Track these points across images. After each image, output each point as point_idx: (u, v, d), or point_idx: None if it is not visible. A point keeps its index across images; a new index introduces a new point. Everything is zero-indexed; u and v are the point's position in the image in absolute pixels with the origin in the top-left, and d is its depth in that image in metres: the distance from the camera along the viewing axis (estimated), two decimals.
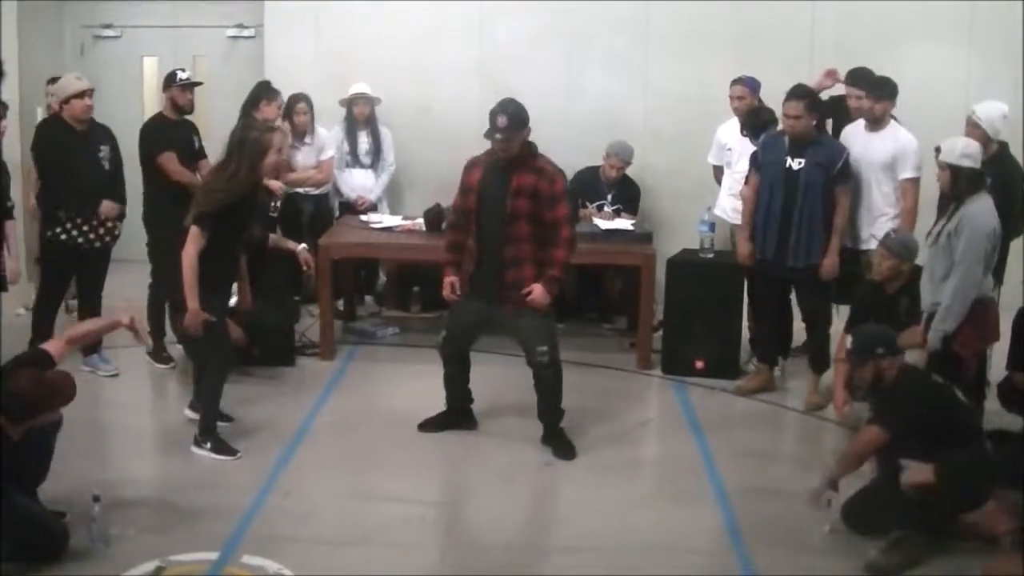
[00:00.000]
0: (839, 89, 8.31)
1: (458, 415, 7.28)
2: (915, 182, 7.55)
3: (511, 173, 6.71)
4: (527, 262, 6.72)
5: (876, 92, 7.67)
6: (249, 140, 6.58)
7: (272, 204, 8.83)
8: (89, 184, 7.69)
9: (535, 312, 6.73)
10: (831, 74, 8.33)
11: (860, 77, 8.02)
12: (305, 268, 8.14)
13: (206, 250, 6.51)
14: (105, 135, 7.95)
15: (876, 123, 7.69)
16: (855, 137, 7.78)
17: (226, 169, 6.60)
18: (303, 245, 8.23)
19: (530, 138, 9.30)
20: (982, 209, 6.40)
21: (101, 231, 7.77)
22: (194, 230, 6.51)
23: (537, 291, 6.68)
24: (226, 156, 6.65)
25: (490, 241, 6.82)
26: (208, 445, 6.73)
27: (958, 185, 6.44)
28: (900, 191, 7.63)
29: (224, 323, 6.82)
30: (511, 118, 6.63)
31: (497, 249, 6.77)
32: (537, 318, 6.76)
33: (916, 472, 5.36)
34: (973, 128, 7.05)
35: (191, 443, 6.75)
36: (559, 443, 6.92)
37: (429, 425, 7.22)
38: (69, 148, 7.70)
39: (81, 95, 7.71)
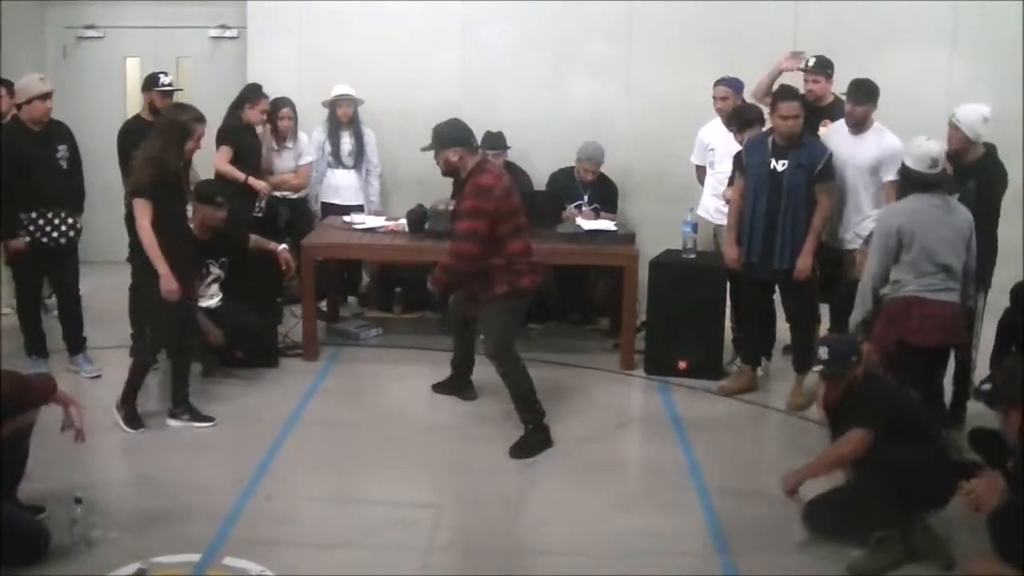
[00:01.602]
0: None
1: (458, 381, 7.79)
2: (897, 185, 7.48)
3: (457, 196, 7.22)
4: (475, 275, 7.03)
5: (857, 95, 7.63)
6: (176, 122, 6.93)
7: (257, 205, 8.83)
8: (48, 185, 7.65)
9: (492, 307, 7.02)
10: (795, 56, 8.38)
11: (824, 65, 8.22)
12: (284, 268, 8.14)
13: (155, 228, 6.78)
14: (63, 134, 7.89)
15: (858, 126, 7.66)
16: (839, 138, 7.75)
17: (153, 145, 6.91)
18: (283, 245, 8.23)
19: (511, 142, 9.43)
20: (892, 208, 6.76)
21: (63, 227, 7.73)
22: (137, 202, 6.83)
23: (429, 280, 7.31)
24: (154, 134, 7.00)
25: None
26: (122, 414, 7.07)
27: (902, 183, 6.80)
28: (884, 192, 7.59)
29: (171, 308, 6.93)
30: (433, 136, 7.11)
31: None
32: (491, 312, 7.04)
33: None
34: (953, 131, 7.02)
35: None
36: (520, 441, 6.97)
37: (439, 387, 7.86)
38: (27, 150, 7.63)
39: (44, 97, 7.64)
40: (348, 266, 9.96)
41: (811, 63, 8.27)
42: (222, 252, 7.99)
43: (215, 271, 7.98)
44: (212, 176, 8.81)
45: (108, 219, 8.42)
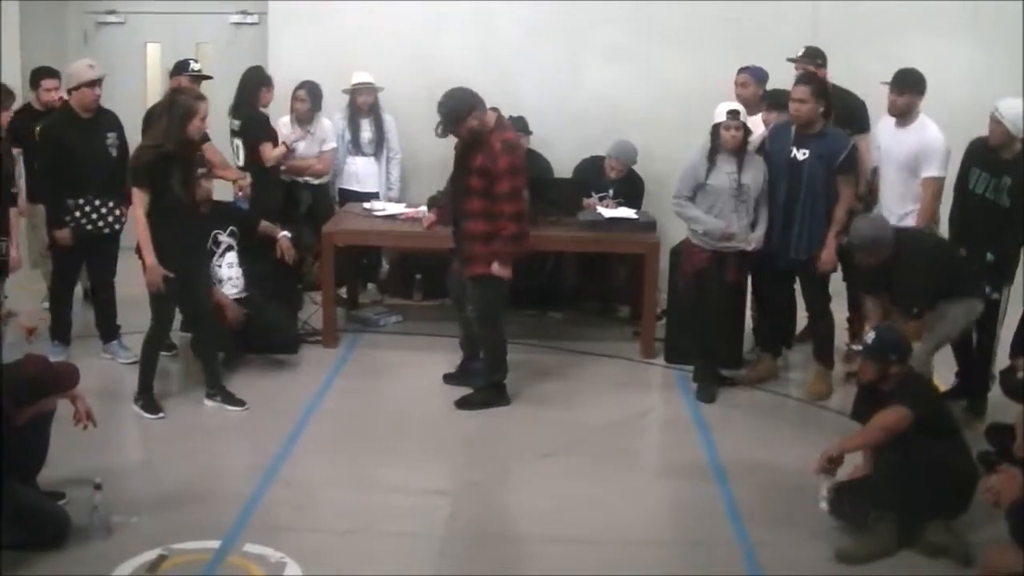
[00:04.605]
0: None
1: (468, 368, 7.78)
2: (934, 181, 7.28)
3: (469, 153, 7.14)
4: (478, 240, 7.15)
5: (898, 85, 7.44)
6: (178, 103, 6.96)
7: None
8: (97, 172, 7.68)
9: (481, 282, 7.22)
10: None
11: (812, 55, 8.16)
12: (280, 255, 8.12)
13: (153, 215, 6.82)
14: (112, 122, 7.92)
15: (901, 116, 7.46)
16: (884, 131, 7.62)
17: (155, 129, 6.97)
18: (284, 232, 8.21)
19: (531, 128, 9.42)
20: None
21: (110, 218, 7.76)
22: (135, 191, 6.87)
23: (495, 268, 7.14)
24: (156, 117, 7.09)
25: (457, 215, 7.37)
26: (140, 403, 7.11)
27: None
28: (921, 188, 7.35)
29: (172, 291, 6.96)
30: (444, 116, 7.11)
31: (461, 223, 7.30)
32: (480, 286, 7.25)
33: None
34: (995, 125, 6.89)
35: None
36: (471, 395, 7.44)
37: (451, 378, 7.77)
38: (76, 135, 7.67)
39: (92, 84, 7.68)
40: (368, 253, 9.96)
41: (800, 53, 8.19)
42: (227, 221, 7.99)
43: (224, 240, 8.00)
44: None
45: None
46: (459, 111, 7.05)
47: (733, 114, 7.41)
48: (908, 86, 7.44)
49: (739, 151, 7.43)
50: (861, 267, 6.90)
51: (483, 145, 7.03)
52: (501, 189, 7.01)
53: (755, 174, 7.47)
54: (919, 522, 5.55)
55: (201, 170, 7.69)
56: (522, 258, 7.41)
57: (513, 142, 7.13)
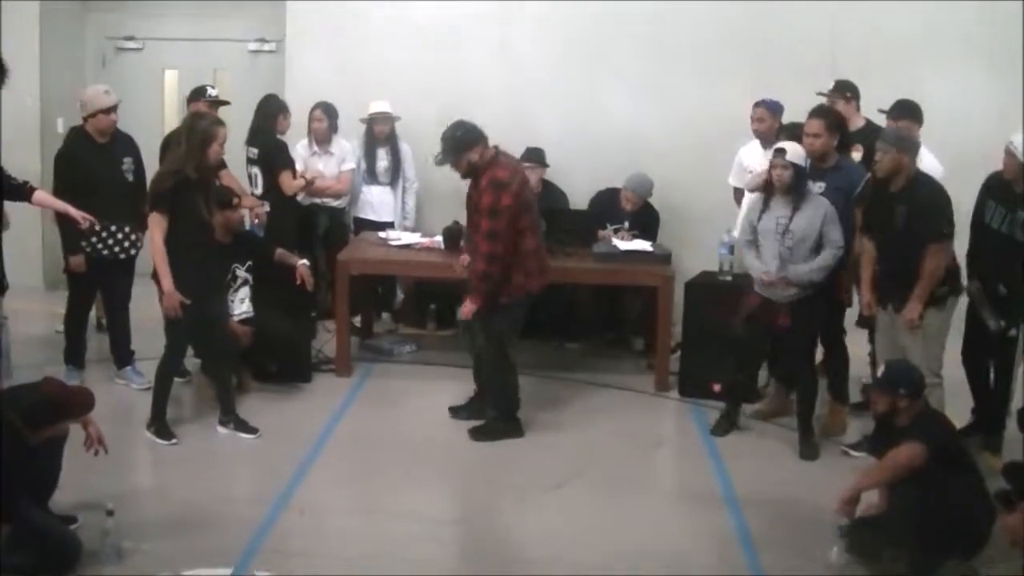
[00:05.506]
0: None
1: (479, 402, 7.73)
2: None
3: (473, 191, 7.29)
4: (472, 272, 7.31)
5: (893, 110, 7.56)
6: (197, 128, 6.97)
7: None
8: (113, 196, 7.68)
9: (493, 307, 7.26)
10: None
11: (843, 88, 8.14)
12: (299, 282, 8.07)
13: (171, 241, 6.82)
14: (129, 146, 7.95)
15: None
16: None
17: (175, 154, 7.00)
18: (303, 261, 8.18)
19: (549, 158, 9.41)
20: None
21: (126, 243, 7.77)
22: (153, 216, 6.89)
23: (464, 307, 7.29)
24: (175, 143, 7.10)
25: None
26: (153, 429, 7.12)
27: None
28: None
29: (189, 318, 6.94)
30: (445, 144, 7.19)
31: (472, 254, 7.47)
32: (491, 312, 7.26)
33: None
34: (1009, 158, 6.83)
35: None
36: (485, 425, 7.45)
37: (459, 412, 7.73)
38: (92, 160, 7.69)
39: (108, 110, 7.71)
40: (382, 282, 9.96)
41: (831, 87, 8.18)
42: (246, 256, 7.98)
43: (242, 275, 7.99)
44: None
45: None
46: (462, 142, 7.13)
47: (779, 152, 7.13)
48: (903, 113, 7.55)
49: (793, 192, 7.11)
50: (873, 174, 6.89)
51: (479, 182, 7.13)
52: (481, 226, 7.09)
53: (811, 218, 7.09)
54: (935, 560, 5.50)
55: (235, 200, 7.72)
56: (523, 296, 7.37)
57: (502, 180, 7.08)
